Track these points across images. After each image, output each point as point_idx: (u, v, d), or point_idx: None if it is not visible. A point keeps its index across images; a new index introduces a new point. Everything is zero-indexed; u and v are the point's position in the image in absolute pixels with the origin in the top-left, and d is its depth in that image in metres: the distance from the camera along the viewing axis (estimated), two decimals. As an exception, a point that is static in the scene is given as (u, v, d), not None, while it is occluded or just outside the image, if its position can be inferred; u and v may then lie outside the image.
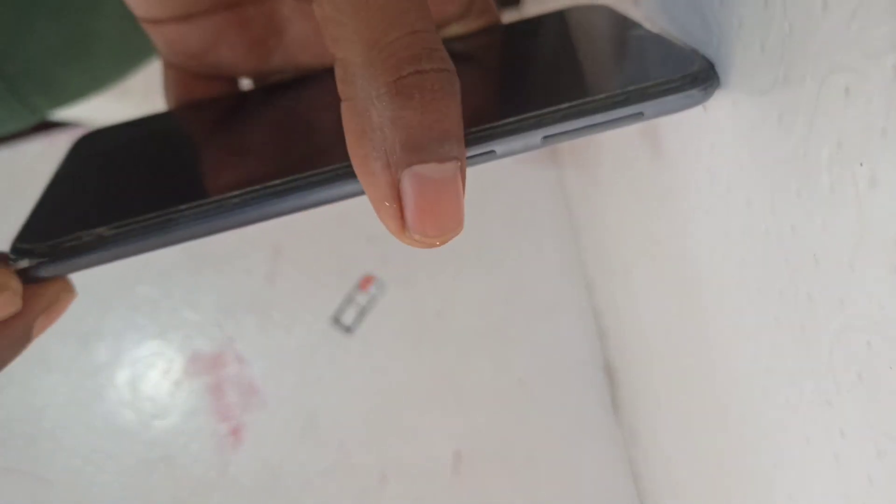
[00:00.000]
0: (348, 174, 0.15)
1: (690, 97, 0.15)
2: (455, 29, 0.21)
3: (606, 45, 0.19)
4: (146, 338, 0.53)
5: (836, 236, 0.16)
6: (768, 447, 0.24)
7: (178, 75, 0.20)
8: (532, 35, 0.21)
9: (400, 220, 0.13)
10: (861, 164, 0.14)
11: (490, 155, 0.15)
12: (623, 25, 0.19)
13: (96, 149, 0.18)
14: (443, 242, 0.14)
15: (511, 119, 0.15)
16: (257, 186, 0.15)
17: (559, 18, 0.22)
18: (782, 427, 0.22)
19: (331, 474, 0.52)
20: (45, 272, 0.15)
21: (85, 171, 0.17)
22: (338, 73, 0.13)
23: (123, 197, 0.16)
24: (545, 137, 0.15)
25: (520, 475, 0.53)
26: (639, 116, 0.15)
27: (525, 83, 0.17)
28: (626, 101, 0.15)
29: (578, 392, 0.53)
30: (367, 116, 0.13)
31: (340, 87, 0.13)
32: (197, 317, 0.53)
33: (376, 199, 0.13)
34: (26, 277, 0.15)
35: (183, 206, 0.15)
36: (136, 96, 0.46)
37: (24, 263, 0.14)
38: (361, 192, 0.15)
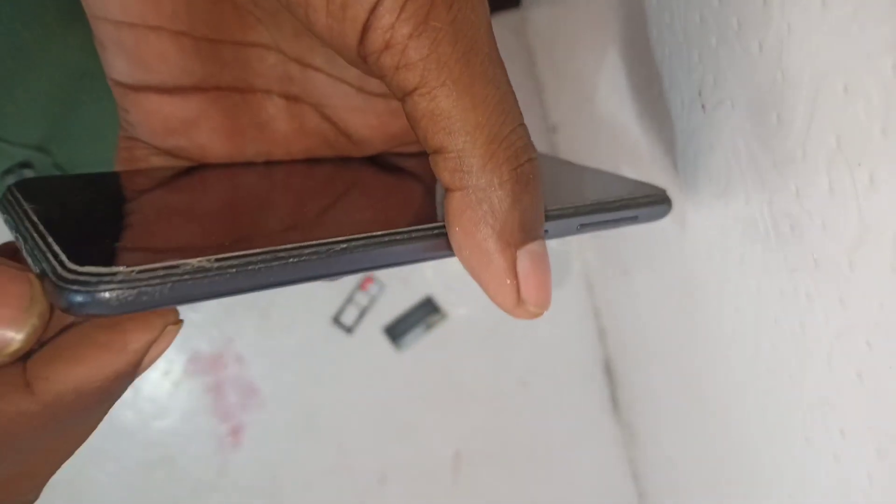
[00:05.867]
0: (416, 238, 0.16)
1: (663, 210, 0.20)
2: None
3: (574, 172, 0.23)
4: (146, 338, 0.53)
5: (835, 236, 0.16)
6: (768, 447, 0.24)
7: (135, 149, 0.18)
8: None
9: (517, 296, 0.15)
10: (860, 164, 0.14)
11: (544, 234, 0.18)
12: (578, 165, 0.24)
13: (57, 194, 0.16)
14: (544, 311, 0.15)
15: (558, 207, 0.18)
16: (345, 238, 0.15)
17: None
18: (782, 427, 0.22)
19: (331, 474, 0.52)
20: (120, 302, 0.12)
21: (74, 210, 0.15)
22: (448, 164, 0.14)
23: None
24: (581, 225, 0.18)
25: (520, 475, 0.53)
26: (634, 219, 0.19)
27: (551, 186, 0.20)
28: (629, 206, 0.19)
29: (578, 392, 0.53)
30: (485, 204, 0.14)
31: (452, 177, 0.14)
32: (197, 317, 0.53)
33: (495, 280, 0.15)
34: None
35: (280, 249, 0.14)
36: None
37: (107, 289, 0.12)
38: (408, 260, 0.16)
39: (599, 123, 0.35)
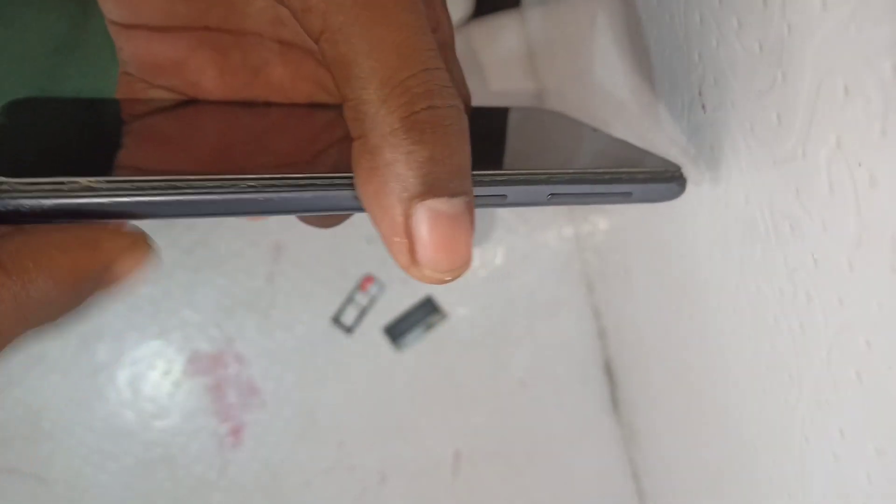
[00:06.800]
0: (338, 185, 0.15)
1: (669, 190, 0.17)
2: None
3: (576, 136, 0.21)
4: (146, 338, 0.53)
5: (835, 236, 0.16)
6: (768, 447, 0.24)
7: (133, 83, 0.19)
8: (505, 120, 0.22)
9: (410, 255, 0.13)
10: (860, 164, 0.14)
11: (500, 199, 0.16)
12: (587, 127, 0.21)
13: (42, 113, 0.17)
14: (452, 278, 0.14)
15: (524, 171, 0.16)
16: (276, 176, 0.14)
17: (526, 113, 0.24)
18: (782, 427, 0.22)
19: (331, 474, 0.52)
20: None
21: (37, 128, 0.16)
22: (348, 113, 0.14)
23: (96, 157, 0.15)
24: (551, 195, 0.16)
25: (520, 475, 0.53)
26: (628, 196, 0.17)
27: (517, 150, 0.18)
28: (620, 179, 0.17)
29: (578, 392, 0.53)
30: (379, 153, 0.13)
31: (351, 126, 0.14)
32: (197, 317, 0.53)
33: (388, 234, 0.13)
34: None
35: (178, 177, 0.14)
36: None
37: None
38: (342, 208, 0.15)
39: (599, 123, 0.35)
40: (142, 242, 0.14)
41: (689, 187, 0.24)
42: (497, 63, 0.55)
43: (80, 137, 0.16)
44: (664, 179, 0.17)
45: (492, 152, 0.18)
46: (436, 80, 0.13)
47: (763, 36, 0.17)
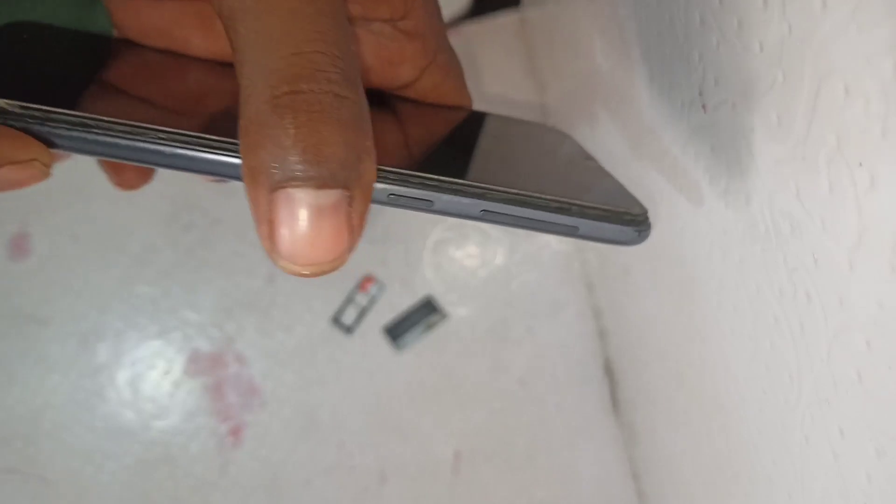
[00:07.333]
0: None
1: (624, 234, 0.16)
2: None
3: (562, 161, 0.20)
4: (146, 338, 0.53)
5: (835, 236, 0.16)
6: (768, 447, 0.24)
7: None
8: (500, 130, 0.22)
9: (271, 243, 0.13)
10: (860, 165, 0.14)
11: (427, 204, 0.15)
12: (581, 155, 0.20)
13: (25, 36, 0.17)
14: (314, 275, 0.13)
15: (458, 180, 0.15)
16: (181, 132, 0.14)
17: (528, 128, 0.23)
18: (782, 426, 0.22)
19: (331, 474, 0.52)
20: None
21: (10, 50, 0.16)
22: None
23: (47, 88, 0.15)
24: (483, 210, 0.15)
25: (520, 475, 0.53)
26: (574, 230, 0.16)
27: (482, 161, 0.17)
28: (567, 210, 0.16)
29: (578, 392, 0.53)
30: (246, 134, 0.13)
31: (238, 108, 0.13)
32: (197, 317, 0.53)
33: (254, 217, 0.13)
34: None
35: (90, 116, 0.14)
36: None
37: None
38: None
39: (599, 123, 0.35)
40: (38, 163, 0.14)
41: (689, 187, 0.24)
42: (496, 63, 0.55)
43: (41, 63, 0.17)
44: (620, 221, 0.16)
45: (452, 157, 0.18)
46: (308, 64, 0.13)
47: (763, 36, 0.17)
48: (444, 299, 0.53)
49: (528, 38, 0.54)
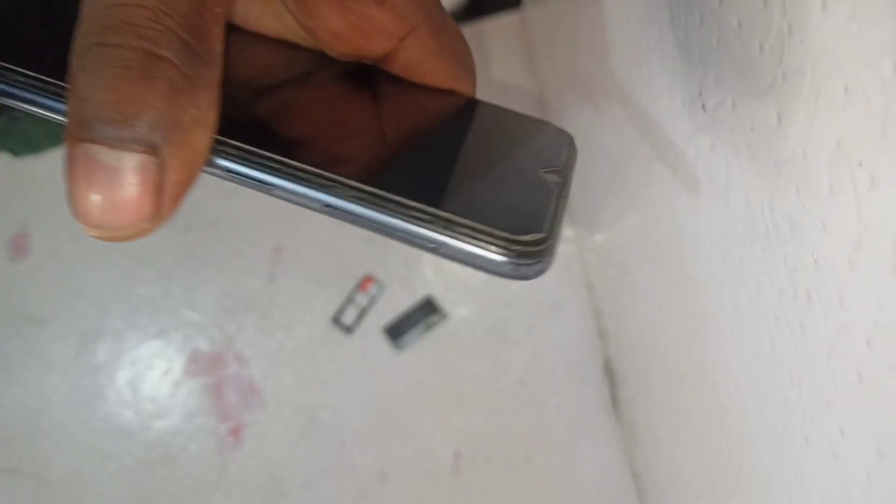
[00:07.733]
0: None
1: (493, 263, 0.13)
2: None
3: (513, 169, 0.16)
4: (146, 338, 0.53)
5: (835, 236, 0.16)
6: (768, 447, 0.24)
7: None
8: (481, 124, 0.19)
9: (69, 199, 0.12)
10: (860, 165, 0.14)
11: (265, 187, 0.14)
12: (553, 164, 0.17)
13: None
14: (107, 239, 0.13)
15: (305, 167, 0.14)
16: None
17: (521, 126, 0.19)
18: (782, 426, 0.22)
19: (331, 474, 0.52)
20: None
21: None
22: None
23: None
24: (327, 206, 0.14)
25: (520, 475, 0.53)
26: (434, 248, 0.13)
27: (413, 157, 0.15)
28: (427, 222, 0.13)
29: (578, 392, 0.53)
30: (68, 77, 0.12)
31: None
32: (197, 317, 0.53)
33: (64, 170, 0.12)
34: None
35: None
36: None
37: None
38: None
39: (599, 122, 0.35)
40: None
41: (689, 187, 0.24)
42: (497, 63, 0.55)
43: (35, 26, 0.16)
44: (493, 247, 0.13)
45: (391, 147, 0.16)
46: (123, 17, 0.12)
47: (763, 36, 0.17)
48: (444, 299, 0.53)
49: (528, 38, 0.54)
